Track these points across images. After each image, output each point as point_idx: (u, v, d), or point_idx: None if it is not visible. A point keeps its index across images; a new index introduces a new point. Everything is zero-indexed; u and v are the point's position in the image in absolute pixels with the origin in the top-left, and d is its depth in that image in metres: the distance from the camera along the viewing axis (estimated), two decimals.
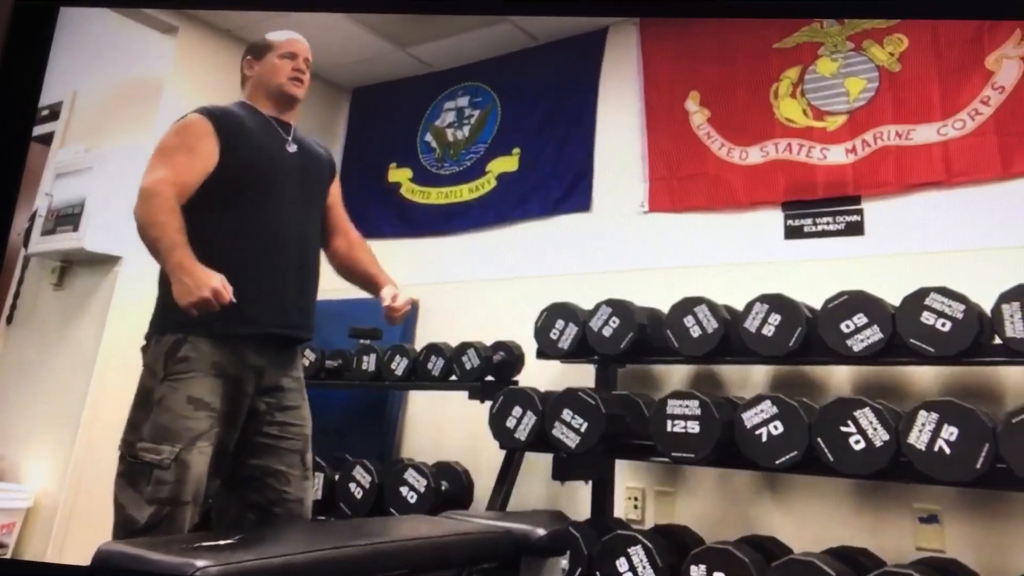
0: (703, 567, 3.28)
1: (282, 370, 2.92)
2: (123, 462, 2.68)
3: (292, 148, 3.05)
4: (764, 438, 3.35)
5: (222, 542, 1.78)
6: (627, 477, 4.47)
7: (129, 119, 5.58)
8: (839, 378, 4.06)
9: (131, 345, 5.02)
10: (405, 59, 6.14)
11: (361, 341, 5.11)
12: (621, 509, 4.42)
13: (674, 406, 3.53)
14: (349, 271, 3.33)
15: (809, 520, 3.96)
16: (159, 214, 2.65)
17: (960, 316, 3.28)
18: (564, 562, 2.96)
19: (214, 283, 2.53)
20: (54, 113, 6.13)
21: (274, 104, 3.11)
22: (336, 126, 6.71)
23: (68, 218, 5.23)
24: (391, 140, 6.39)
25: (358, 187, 6.38)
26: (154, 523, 2.56)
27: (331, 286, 6.20)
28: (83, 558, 1.84)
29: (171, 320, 2.68)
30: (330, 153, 3.36)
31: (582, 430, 3.72)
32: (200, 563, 1.60)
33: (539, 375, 4.56)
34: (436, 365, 4.74)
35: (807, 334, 3.62)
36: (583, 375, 4.48)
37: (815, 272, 4.24)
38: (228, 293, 2.54)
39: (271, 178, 2.94)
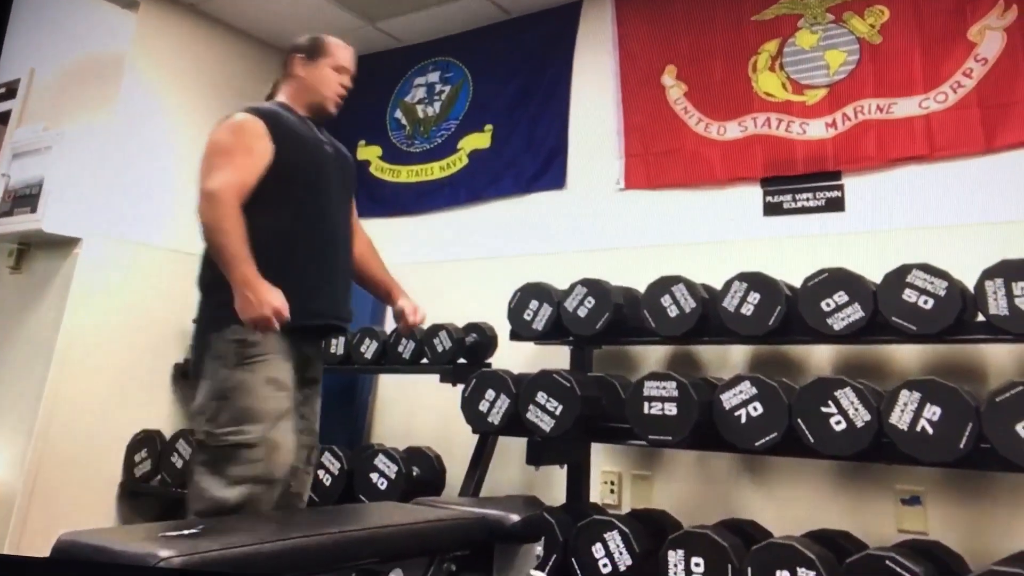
0: (681, 552, 3.26)
1: (320, 363, 3.12)
2: (205, 451, 2.75)
3: (329, 149, 3.18)
4: (743, 420, 3.33)
5: (186, 531, 1.74)
6: (603, 461, 4.46)
7: (89, 97, 5.54)
8: (819, 357, 4.05)
9: (92, 330, 5.04)
10: (374, 33, 6.07)
11: None
12: (597, 494, 4.41)
13: (651, 388, 3.50)
14: (362, 274, 3.42)
15: (789, 503, 3.96)
16: (226, 221, 2.74)
17: (942, 293, 3.25)
18: (539, 548, 2.95)
19: (276, 302, 2.68)
20: (11, 91, 6.06)
21: (311, 112, 3.20)
22: None
23: (26, 199, 5.17)
24: (360, 117, 6.32)
25: None
26: (245, 502, 2.66)
27: None
28: (42, 549, 1.80)
29: (231, 314, 2.73)
30: (351, 155, 3.47)
31: (557, 413, 3.69)
32: (163, 553, 1.56)
33: (512, 357, 4.54)
34: (407, 348, 4.71)
35: (787, 313, 3.59)
36: (558, 357, 4.46)
37: (795, 249, 4.24)
38: (286, 311, 2.69)
39: (319, 178, 3.07)
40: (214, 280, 2.80)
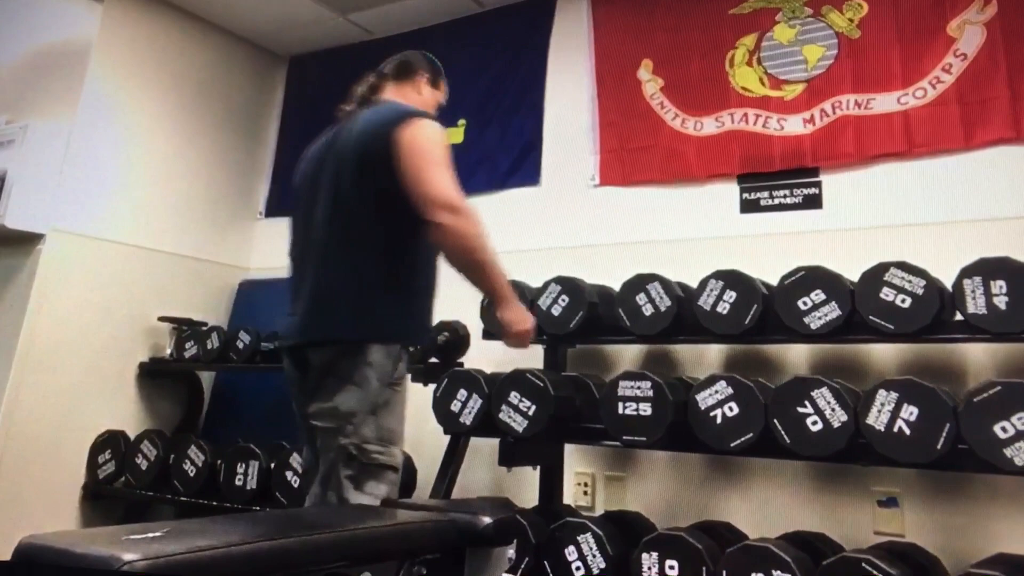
0: (655, 555, 3.25)
1: None
2: (352, 465, 2.71)
3: None
4: (719, 420, 3.33)
5: (150, 534, 1.71)
6: (576, 462, 4.44)
7: (54, 90, 5.49)
8: (796, 357, 4.06)
9: (55, 328, 4.99)
10: (345, 26, 6.04)
11: None
12: (570, 495, 4.39)
13: (625, 387, 3.49)
14: None
15: (765, 505, 3.96)
16: (487, 238, 2.85)
17: (920, 292, 3.26)
18: (511, 551, 2.93)
19: None
20: None
21: None
22: (273, 95, 6.61)
23: None
24: (330, 110, 6.26)
25: (296, 160, 6.28)
26: None
27: (266, 264, 6.12)
28: (3, 552, 1.77)
29: (397, 330, 2.82)
30: None
31: (530, 413, 3.68)
32: (128, 556, 1.52)
33: (485, 356, 4.49)
34: None
35: (763, 311, 3.59)
36: (531, 356, 4.42)
37: (771, 247, 4.24)
38: None
39: None
40: (398, 287, 2.82)
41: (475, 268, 2.82)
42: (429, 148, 2.83)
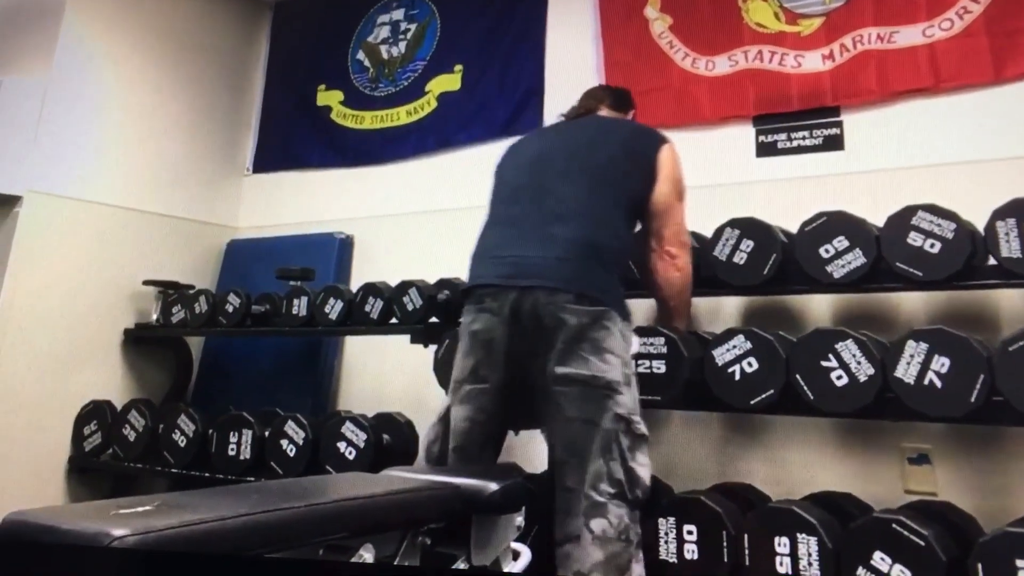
0: (672, 519, 3.22)
1: None
2: (629, 434, 2.85)
3: None
4: (737, 376, 3.28)
5: (140, 508, 1.67)
6: None
7: (26, 45, 5.44)
8: (818, 308, 4.01)
9: (35, 294, 4.97)
10: None
11: (291, 283, 4.99)
12: None
13: (638, 344, 3.45)
14: None
15: (788, 465, 3.93)
16: None
17: (950, 236, 3.21)
18: (520, 519, 2.90)
19: None
20: None
21: None
22: (257, 45, 6.54)
23: None
24: (319, 59, 6.24)
25: (283, 113, 6.25)
26: None
27: (255, 223, 6.07)
28: None
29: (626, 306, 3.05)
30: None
31: None
32: (117, 531, 1.50)
33: None
34: (374, 307, 4.62)
35: (783, 261, 3.55)
36: None
37: (790, 192, 4.20)
38: None
39: None
40: (620, 272, 3.09)
41: (684, 304, 3.43)
42: (683, 183, 3.28)
